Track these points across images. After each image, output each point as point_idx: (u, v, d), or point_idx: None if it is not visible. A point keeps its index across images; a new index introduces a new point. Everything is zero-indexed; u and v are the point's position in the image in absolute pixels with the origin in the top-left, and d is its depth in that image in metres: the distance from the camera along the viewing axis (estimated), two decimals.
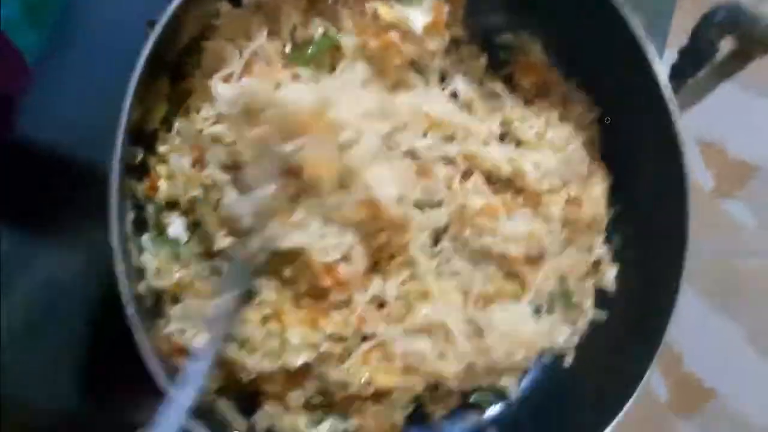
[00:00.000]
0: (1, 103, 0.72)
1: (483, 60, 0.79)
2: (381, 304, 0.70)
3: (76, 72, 0.70)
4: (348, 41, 0.65)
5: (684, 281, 0.70)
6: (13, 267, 0.65)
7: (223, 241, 0.64)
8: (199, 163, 0.63)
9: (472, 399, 0.78)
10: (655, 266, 0.76)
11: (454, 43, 0.77)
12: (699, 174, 1.31)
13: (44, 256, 0.67)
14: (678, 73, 1.22)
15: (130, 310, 0.47)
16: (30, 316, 0.66)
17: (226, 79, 0.59)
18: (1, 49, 0.81)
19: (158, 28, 0.48)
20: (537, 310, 0.79)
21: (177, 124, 0.62)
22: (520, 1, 0.77)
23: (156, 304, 0.61)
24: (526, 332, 0.74)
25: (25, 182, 0.67)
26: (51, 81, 0.70)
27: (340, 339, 0.67)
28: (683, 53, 1.19)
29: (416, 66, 0.72)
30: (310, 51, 0.65)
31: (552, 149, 0.79)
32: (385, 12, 0.64)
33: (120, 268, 0.47)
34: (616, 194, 0.82)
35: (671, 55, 1.08)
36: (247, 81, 0.57)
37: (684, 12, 1.06)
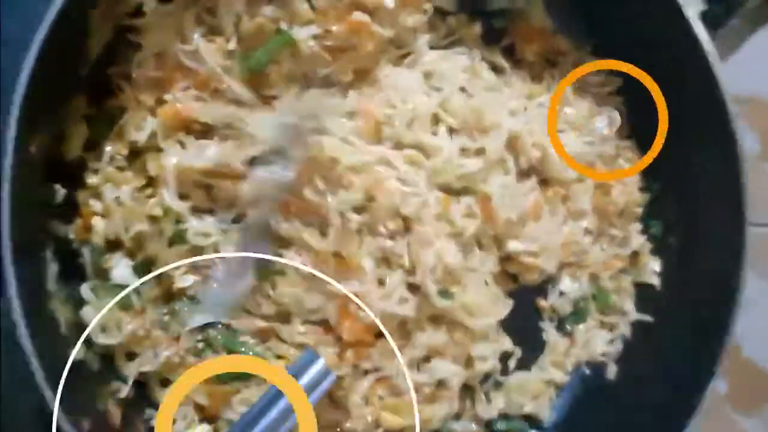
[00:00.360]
0: None
1: (477, 28, 0.67)
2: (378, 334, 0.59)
3: None
4: (304, 33, 0.54)
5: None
6: None
7: (183, 279, 0.54)
8: (142, 192, 0.53)
9: (497, 427, 0.66)
10: (708, 252, 0.64)
11: (440, 14, 0.65)
12: (742, 137, 1.14)
13: None
14: (708, 21, 1.07)
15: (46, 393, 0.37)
16: None
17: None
18: None
19: (44, 27, 0.38)
20: (559, 326, 0.68)
21: (109, 149, 0.52)
22: None
23: (105, 364, 0.51)
24: None
25: None
26: None
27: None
28: None
29: (396, 43, 0.61)
30: (261, 53, 0.53)
31: (571, 128, 0.67)
32: None
33: (26, 341, 0.38)
34: (651, 175, 0.70)
35: (699, 1, 0.94)
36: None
37: None
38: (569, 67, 0.70)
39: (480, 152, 0.61)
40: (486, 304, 0.59)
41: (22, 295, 0.38)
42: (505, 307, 0.62)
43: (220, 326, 0.56)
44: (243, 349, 0.55)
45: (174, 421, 0.53)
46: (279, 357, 0.57)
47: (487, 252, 0.60)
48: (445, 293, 0.57)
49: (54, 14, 0.38)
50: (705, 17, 1.03)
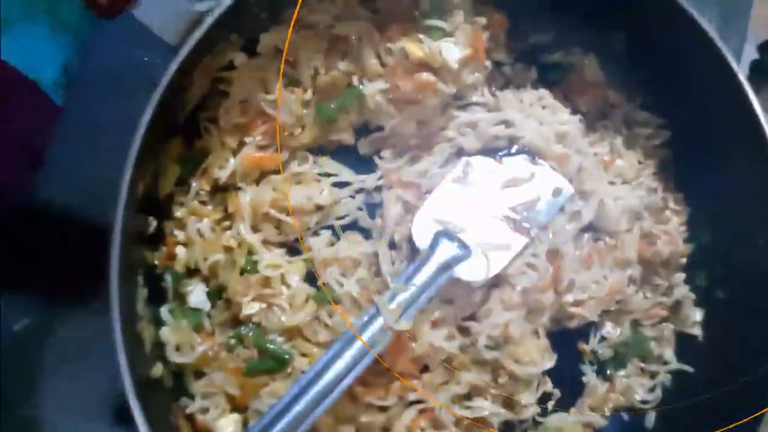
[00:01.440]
0: (31, 153, 0.71)
1: (532, 74, 0.70)
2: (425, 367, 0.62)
3: (93, 132, 0.67)
4: (373, 88, 0.58)
5: None
6: (35, 338, 0.62)
7: (250, 306, 0.59)
8: (219, 225, 0.59)
9: None
10: (754, 304, 0.65)
11: (496, 65, 0.69)
12: None
13: (70, 322, 0.63)
14: (759, 71, 1.08)
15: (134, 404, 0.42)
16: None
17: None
18: (35, 99, 0.82)
19: (157, 94, 0.44)
20: (599, 371, 0.69)
21: (194, 185, 0.57)
22: (571, 17, 0.67)
23: (178, 381, 0.56)
24: None
25: (49, 245, 0.65)
26: (68, 141, 0.68)
27: (381, 409, 0.60)
28: (764, 48, 1.05)
29: (456, 96, 0.65)
30: (334, 105, 0.59)
31: (621, 180, 0.69)
32: (415, 49, 0.57)
33: (122, 359, 0.42)
34: (697, 226, 0.71)
35: (750, 51, 0.95)
36: None
37: (764, 4, 0.94)
38: (620, 119, 0.72)
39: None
40: (534, 354, 0.61)
41: (121, 317, 0.43)
42: (550, 359, 0.64)
43: (251, 324, 0.59)
44: (271, 347, 0.58)
45: (207, 410, 0.56)
46: (304, 355, 0.60)
47: (544, 307, 0.62)
48: (494, 347, 0.60)
49: (167, 79, 0.43)
50: (753, 68, 1.04)
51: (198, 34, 0.45)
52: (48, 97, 0.82)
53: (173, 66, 0.44)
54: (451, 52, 0.58)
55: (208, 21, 0.45)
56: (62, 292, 0.64)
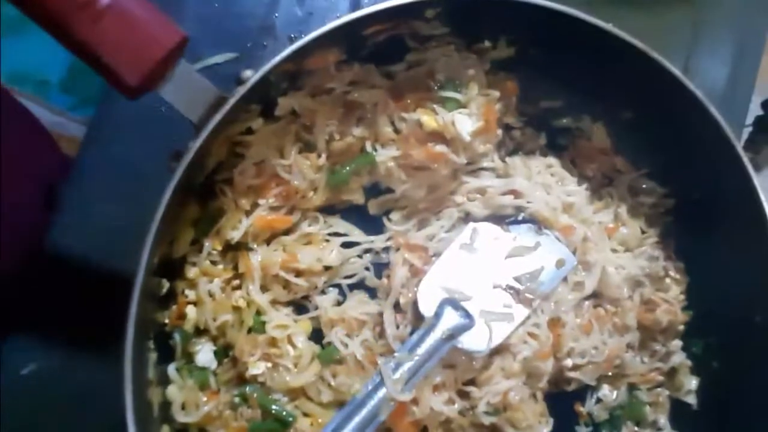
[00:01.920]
0: (45, 190, 0.72)
1: (542, 140, 0.72)
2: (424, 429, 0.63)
3: (111, 179, 0.68)
4: (385, 155, 0.60)
5: None
6: (45, 382, 0.63)
7: (256, 366, 0.59)
8: (229, 284, 0.60)
9: None
10: (748, 375, 0.66)
11: (506, 128, 0.71)
12: None
13: (78, 370, 0.64)
14: (762, 127, 1.09)
15: None
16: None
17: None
18: (33, 128, 0.83)
19: (181, 167, 0.45)
20: None
21: (207, 244, 0.58)
22: (581, 86, 0.69)
23: None
24: None
25: (57, 292, 0.66)
26: (86, 189, 0.69)
27: None
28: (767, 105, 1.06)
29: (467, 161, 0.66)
30: (347, 170, 0.60)
31: (624, 248, 0.71)
32: (429, 120, 0.58)
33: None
34: (694, 295, 0.72)
35: (757, 103, 0.96)
36: None
37: None
38: (625, 186, 0.73)
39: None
40: (531, 419, 0.62)
41: (133, 384, 0.44)
42: (547, 424, 0.65)
43: (256, 383, 0.59)
44: (275, 407, 0.58)
45: None
46: (306, 415, 0.61)
47: (543, 374, 0.63)
48: (493, 413, 0.61)
49: (188, 158, 0.44)
50: (757, 124, 1.05)
51: (221, 114, 0.46)
52: (61, 151, 0.82)
53: (197, 143, 0.45)
54: (464, 124, 0.59)
55: (232, 100, 0.47)
56: (72, 340, 0.64)
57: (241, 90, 0.46)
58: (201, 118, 0.46)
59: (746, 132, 1.04)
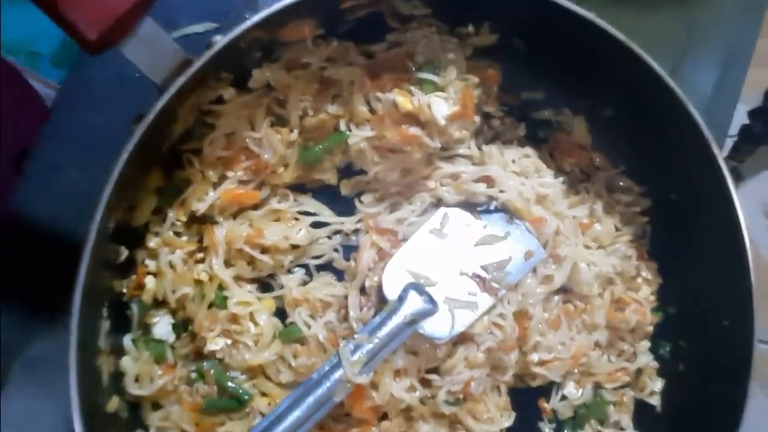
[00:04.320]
0: (18, 152, 0.71)
1: (521, 131, 0.71)
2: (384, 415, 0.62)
3: (78, 140, 0.67)
4: (359, 136, 0.59)
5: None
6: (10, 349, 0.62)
7: (215, 342, 0.58)
8: (192, 257, 0.58)
9: None
10: (713, 382, 0.66)
11: (486, 117, 0.70)
12: (766, 250, 1.15)
13: (34, 342, 0.63)
14: (747, 137, 1.09)
15: None
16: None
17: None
18: (28, 99, 0.81)
19: (141, 128, 0.43)
20: (557, 430, 0.70)
21: (171, 214, 0.57)
22: (564, 79, 0.68)
23: (133, 412, 0.55)
24: None
25: (22, 258, 0.65)
26: (52, 147, 0.67)
27: None
28: (755, 114, 1.06)
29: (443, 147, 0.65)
30: (319, 148, 0.59)
31: (597, 244, 0.70)
32: (404, 102, 0.57)
33: (73, 395, 0.42)
34: (666, 296, 0.72)
35: (744, 111, 0.96)
36: None
37: (763, 62, 0.95)
38: (602, 183, 0.73)
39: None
40: (493, 412, 0.62)
41: (79, 357, 0.43)
42: (509, 418, 0.64)
43: (214, 359, 0.58)
44: (232, 385, 0.58)
45: None
46: (264, 395, 0.60)
47: (508, 366, 0.62)
48: (453, 402, 0.60)
49: (153, 115, 0.43)
50: (743, 134, 1.05)
51: (186, 76, 0.45)
52: (40, 98, 0.81)
53: (159, 105, 0.44)
54: (440, 107, 0.58)
55: (197, 63, 0.45)
56: (29, 304, 0.63)
57: (208, 53, 0.45)
58: (165, 80, 0.44)
59: (729, 141, 1.04)
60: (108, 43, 0.42)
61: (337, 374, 0.54)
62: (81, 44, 0.41)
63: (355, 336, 0.56)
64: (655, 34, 0.86)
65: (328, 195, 0.65)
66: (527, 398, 0.69)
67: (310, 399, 0.53)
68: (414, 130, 0.57)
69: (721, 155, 0.62)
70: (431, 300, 0.59)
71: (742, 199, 0.67)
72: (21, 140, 0.73)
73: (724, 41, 0.88)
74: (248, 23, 0.46)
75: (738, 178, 0.94)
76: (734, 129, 1.02)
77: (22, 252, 0.65)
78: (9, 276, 0.65)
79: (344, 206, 0.66)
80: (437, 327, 0.59)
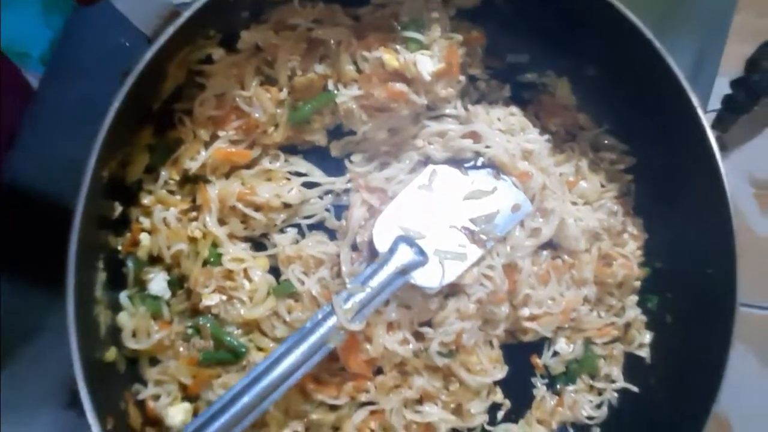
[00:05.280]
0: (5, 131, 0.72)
1: (506, 92, 0.72)
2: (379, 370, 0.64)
3: (66, 114, 0.68)
4: (347, 95, 0.60)
5: (734, 339, 0.61)
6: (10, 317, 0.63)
7: (210, 298, 0.60)
8: (186, 215, 0.60)
9: None
10: (699, 331, 0.68)
11: (471, 79, 0.71)
12: (752, 218, 1.17)
13: (29, 305, 0.64)
14: (730, 107, 1.11)
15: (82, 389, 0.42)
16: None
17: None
18: (12, 77, 0.82)
19: (129, 81, 0.45)
20: (550, 385, 0.71)
21: (164, 173, 0.58)
22: (548, 41, 0.70)
23: (131, 367, 0.57)
24: None
25: (16, 225, 0.65)
26: (40, 122, 0.68)
27: (332, 408, 0.62)
28: (737, 84, 1.08)
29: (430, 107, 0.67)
30: (308, 107, 0.60)
31: (583, 201, 0.72)
32: (390, 59, 0.58)
33: (73, 341, 0.43)
34: (652, 251, 0.74)
35: (722, 84, 0.98)
36: None
37: (739, 38, 0.97)
38: (587, 142, 0.75)
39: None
40: (485, 364, 0.63)
41: (76, 300, 0.44)
42: (502, 370, 0.65)
43: (209, 315, 0.59)
44: (228, 339, 0.59)
45: (158, 397, 0.57)
46: (260, 349, 0.61)
47: (499, 319, 0.64)
48: (446, 354, 0.62)
49: (142, 65, 0.44)
50: (725, 103, 1.07)
51: (174, 26, 0.46)
52: (24, 77, 0.82)
53: (147, 55, 0.45)
54: (425, 64, 0.60)
55: (186, 14, 0.47)
56: (25, 273, 0.64)
57: (196, 5, 0.46)
58: (155, 31, 0.46)
59: (710, 116, 1.06)
60: None
61: (331, 321, 0.55)
62: None
63: (348, 286, 0.58)
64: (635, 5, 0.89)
65: (319, 156, 0.67)
66: (519, 354, 0.71)
67: (304, 345, 0.54)
68: (401, 87, 0.59)
69: (705, 117, 0.64)
70: (421, 251, 0.60)
71: (728, 169, 0.69)
72: (9, 120, 0.74)
73: (702, 18, 0.90)
74: None
75: (723, 147, 0.95)
76: (714, 103, 1.03)
77: (18, 223, 0.66)
78: (6, 247, 0.66)
79: (334, 167, 0.67)
80: (428, 277, 0.60)
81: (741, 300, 0.62)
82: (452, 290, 0.63)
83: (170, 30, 0.45)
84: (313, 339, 0.54)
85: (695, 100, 0.63)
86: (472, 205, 0.64)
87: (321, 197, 0.66)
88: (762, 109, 0.97)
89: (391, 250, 0.59)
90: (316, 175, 0.66)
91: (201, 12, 0.47)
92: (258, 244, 0.64)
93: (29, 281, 0.66)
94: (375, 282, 0.57)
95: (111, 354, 0.53)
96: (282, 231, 0.65)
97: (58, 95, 0.69)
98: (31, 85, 0.77)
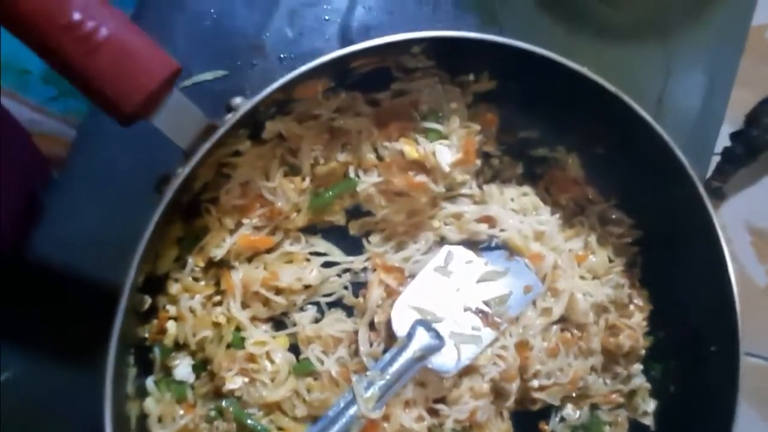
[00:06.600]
0: (26, 197, 0.73)
1: (519, 169, 0.75)
2: None
3: (97, 189, 0.69)
4: (367, 182, 0.62)
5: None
6: (22, 390, 0.64)
7: (233, 381, 0.61)
8: (210, 300, 0.61)
9: None
10: (703, 404, 0.70)
11: (486, 156, 0.74)
12: (752, 269, 1.20)
13: (55, 379, 0.65)
14: (729, 158, 1.14)
15: None
16: None
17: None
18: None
19: (170, 192, 0.46)
20: None
21: (190, 261, 0.60)
22: (556, 120, 0.72)
23: None
24: None
25: (36, 300, 0.67)
26: (71, 197, 0.69)
27: None
28: (736, 137, 1.11)
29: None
30: (330, 194, 0.62)
31: (592, 275, 0.74)
32: (411, 151, 0.60)
33: None
34: (657, 322, 0.76)
35: (726, 132, 1.00)
36: None
37: (742, 88, 0.98)
38: (595, 216, 0.77)
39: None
40: None
41: (113, 414, 0.45)
42: None
43: (232, 398, 0.61)
44: (251, 422, 0.60)
45: None
46: (280, 429, 0.63)
47: (510, 393, 0.66)
48: (460, 430, 0.64)
49: (179, 181, 0.46)
50: (725, 154, 1.09)
51: (210, 142, 0.48)
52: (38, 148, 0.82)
53: (185, 171, 0.47)
54: (444, 155, 0.62)
55: (222, 129, 0.48)
56: (50, 349, 0.65)
57: (231, 119, 0.48)
58: (190, 145, 0.47)
59: (715, 159, 1.08)
60: (139, 115, 0.45)
61: (352, 410, 0.57)
62: (113, 117, 0.44)
63: (368, 373, 0.59)
64: (638, 65, 0.91)
65: (338, 235, 0.69)
66: (528, 421, 0.73)
67: None
68: (420, 178, 0.61)
69: (704, 192, 0.66)
70: (438, 335, 0.62)
71: (726, 218, 0.70)
72: (23, 183, 0.75)
73: (707, 66, 0.92)
74: (270, 89, 0.50)
75: (722, 197, 0.98)
76: (720, 147, 1.05)
77: (38, 297, 0.67)
78: (25, 320, 0.67)
79: (353, 245, 0.69)
80: (444, 361, 0.62)
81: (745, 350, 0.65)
82: (466, 370, 0.65)
83: (207, 146, 0.47)
84: (336, 429, 0.56)
85: (694, 175, 0.65)
86: (485, 287, 0.66)
87: (339, 275, 0.68)
88: (761, 164, 1.00)
89: (410, 335, 0.61)
90: (336, 254, 0.68)
91: (237, 122, 0.49)
92: (278, 321, 0.66)
93: (53, 356, 0.67)
94: (394, 368, 0.59)
95: None
96: (302, 309, 0.67)
97: (83, 169, 0.70)
98: (46, 157, 0.78)
